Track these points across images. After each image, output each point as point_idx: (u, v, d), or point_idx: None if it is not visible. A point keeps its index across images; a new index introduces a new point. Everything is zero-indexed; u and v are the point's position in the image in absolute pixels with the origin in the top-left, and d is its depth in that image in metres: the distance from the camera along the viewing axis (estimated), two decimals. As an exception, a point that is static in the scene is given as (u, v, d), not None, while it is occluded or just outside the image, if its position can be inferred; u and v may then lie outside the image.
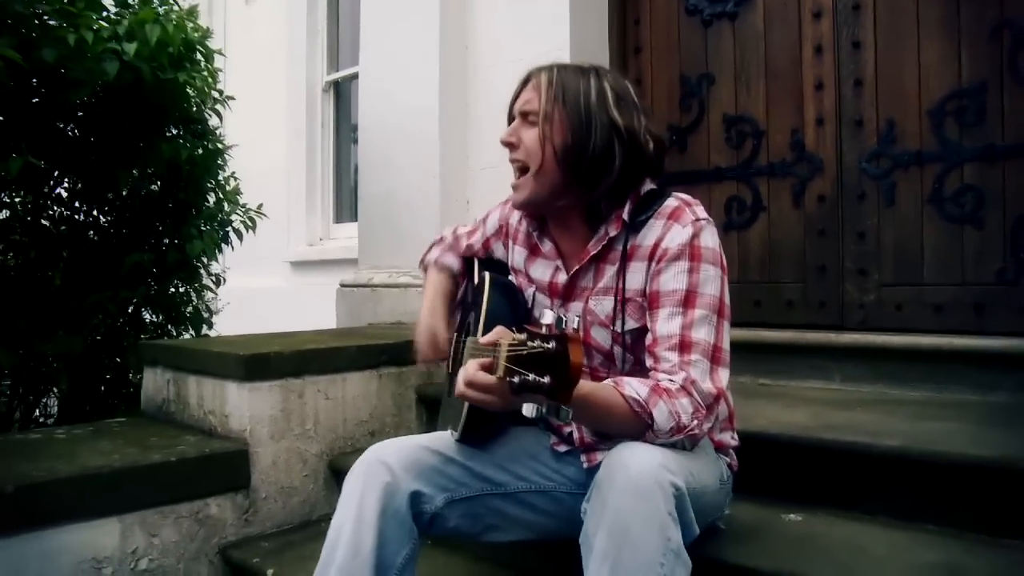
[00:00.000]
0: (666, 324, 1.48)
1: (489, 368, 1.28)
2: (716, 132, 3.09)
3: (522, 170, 1.61)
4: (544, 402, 1.12)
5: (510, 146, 1.62)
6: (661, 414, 1.38)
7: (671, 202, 1.57)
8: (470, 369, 1.30)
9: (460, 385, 1.32)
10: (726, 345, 1.51)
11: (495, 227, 1.88)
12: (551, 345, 1.08)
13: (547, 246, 1.70)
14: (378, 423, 2.72)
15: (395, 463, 1.58)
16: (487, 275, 1.71)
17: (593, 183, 1.56)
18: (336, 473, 2.54)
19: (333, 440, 2.59)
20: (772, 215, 2.95)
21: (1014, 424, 2.03)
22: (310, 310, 4.22)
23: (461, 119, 3.55)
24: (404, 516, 1.56)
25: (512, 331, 1.23)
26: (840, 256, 2.79)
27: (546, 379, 1.07)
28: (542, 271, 1.72)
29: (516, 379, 1.11)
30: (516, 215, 1.81)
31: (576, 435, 1.68)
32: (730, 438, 1.70)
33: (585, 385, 1.33)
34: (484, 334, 1.57)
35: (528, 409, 1.13)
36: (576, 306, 1.65)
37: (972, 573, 1.57)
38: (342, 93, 5.59)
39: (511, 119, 1.65)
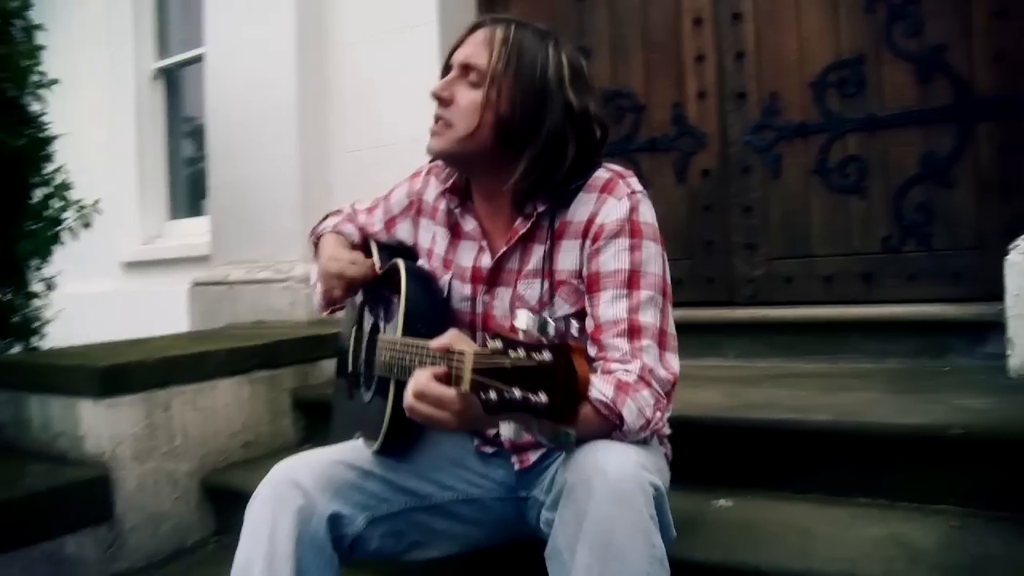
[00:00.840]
0: (611, 308, 1.33)
1: (444, 378, 1.09)
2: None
3: (446, 127, 1.40)
4: (534, 423, 0.94)
5: (440, 100, 1.40)
6: (631, 413, 1.23)
7: (601, 173, 1.41)
8: (421, 379, 1.10)
9: (408, 398, 1.12)
10: (672, 329, 1.38)
11: (402, 204, 1.66)
12: (546, 357, 0.90)
13: (470, 225, 1.51)
14: (252, 433, 2.46)
15: (308, 482, 1.36)
16: (401, 263, 1.50)
17: (547, 172, 1.37)
18: (210, 492, 2.27)
19: (205, 455, 2.31)
20: (656, 191, 2.86)
21: (923, 389, 2.02)
22: (149, 315, 3.82)
23: (320, 99, 3.29)
24: (323, 543, 1.35)
25: (488, 337, 1.04)
26: (727, 231, 2.75)
27: (541, 397, 0.89)
28: (465, 255, 1.52)
29: (492, 395, 0.93)
30: (432, 190, 1.60)
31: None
32: (666, 427, 1.58)
33: None
34: (406, 331, 1.38)
35: (508, 430, 0.96)
36: (503, 292, 1.47)
37: (918, 542, 1.53)
38: (174, 80, 5.14)
39: (447, 70, 1.44)
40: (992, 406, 1.79)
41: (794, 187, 2.64)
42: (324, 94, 3.29)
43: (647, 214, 1.39)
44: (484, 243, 1.49)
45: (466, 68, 1.38)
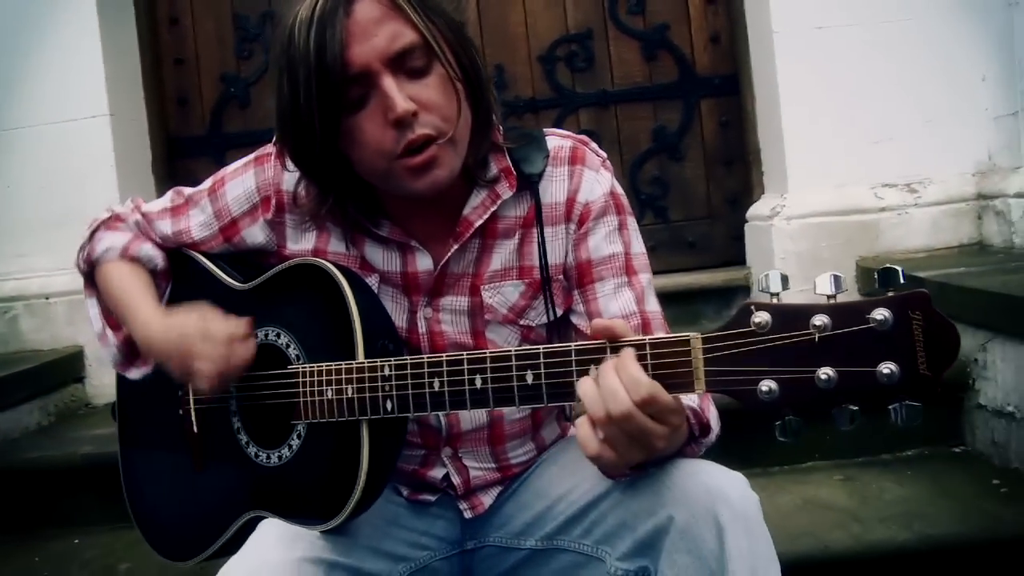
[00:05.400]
0: (615, 301, 1.08)
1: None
2: (291, 82, 2.60)
3: (449, 144, 0.98)
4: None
5: (412, 117, 0.94)
6: (715, 421, 1.00)
7: (559, 142, 1.11)
8: (643, 379, 0.77)
9: (621, 403, 0.77)
10: None
11: (250, 200, 1.14)
12: (885, 314, 0.67)
13: (385, 228, 1.09)
14: None
15: None
16: (323, 261, 1.03)
17: (488, 120, 1.04)
18: None
19: None
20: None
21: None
22: None
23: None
24: None
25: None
26: (458, 214, 2.56)
27: (891, 368, 0.67)
28: (386, 256, 1.11)
29: (771, 386, 0.72)
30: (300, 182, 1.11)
31: (458, 478, 1.14)
32: None
33: None
34: (370, 351, 0.97)
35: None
36: (454, 303, 1.10)
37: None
38: None
39: (350, 87, 0.95)
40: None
41: (530, 165, 2.54)
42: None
43: (618, 184, 1.15)
44: (414, 243, 1.09)
45: (401, 57, 0.95)
